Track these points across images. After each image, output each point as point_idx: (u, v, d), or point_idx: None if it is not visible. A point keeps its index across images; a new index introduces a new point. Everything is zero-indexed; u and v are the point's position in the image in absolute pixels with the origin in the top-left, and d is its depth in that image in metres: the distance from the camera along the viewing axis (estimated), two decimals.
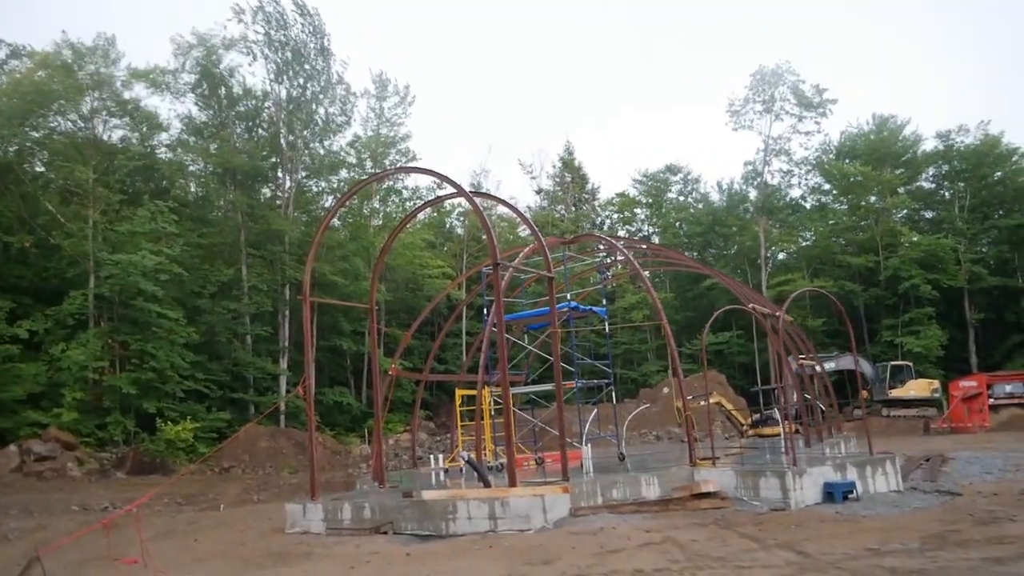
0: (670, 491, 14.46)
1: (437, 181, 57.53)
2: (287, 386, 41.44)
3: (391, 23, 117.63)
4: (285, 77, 43.85)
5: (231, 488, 25.09)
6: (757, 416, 37.63)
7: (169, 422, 32.55)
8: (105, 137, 40.01)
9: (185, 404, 35.09)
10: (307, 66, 44.36)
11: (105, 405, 32.48)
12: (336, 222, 51.39)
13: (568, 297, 17.84)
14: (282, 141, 44.42)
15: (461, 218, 63.15)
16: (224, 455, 33.21)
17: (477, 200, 16.07)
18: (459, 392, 19.95)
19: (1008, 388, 40.67)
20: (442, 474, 21.78)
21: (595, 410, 19.48)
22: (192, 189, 46.36)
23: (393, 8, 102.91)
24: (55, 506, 19.73)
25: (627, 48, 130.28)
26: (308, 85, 44.70)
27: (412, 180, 55.87)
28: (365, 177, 40.15)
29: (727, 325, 57.66)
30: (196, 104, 43.44)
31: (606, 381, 18.19)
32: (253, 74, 59.44)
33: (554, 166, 70.10)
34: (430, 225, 61.82)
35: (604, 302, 19.55)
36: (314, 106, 45.36)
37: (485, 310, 18.88)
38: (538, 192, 69.83)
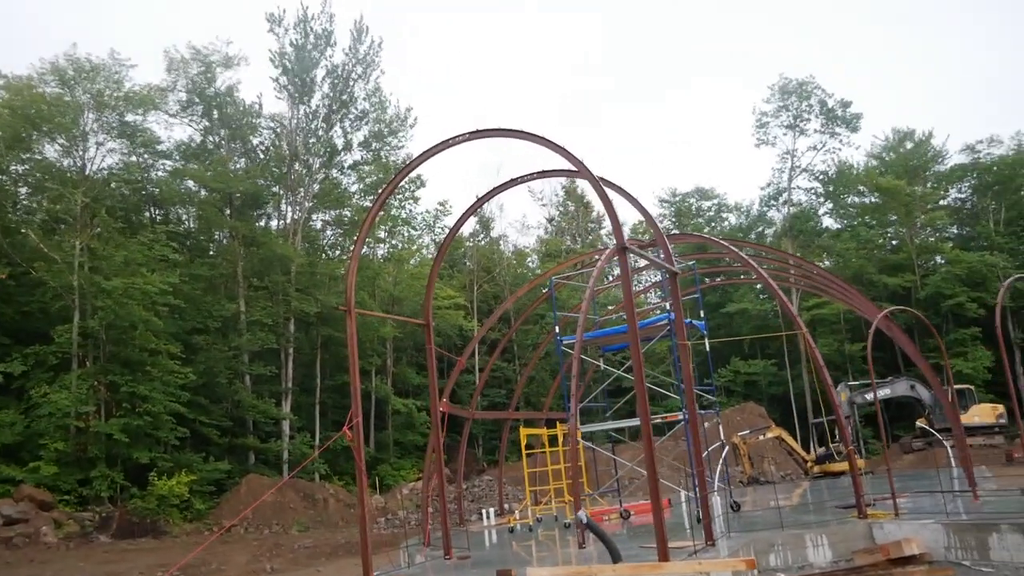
0: (849, 554, 10.78)
1: (440, 208, 54.76)
2: (290, 431, 37.54)
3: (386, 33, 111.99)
4: (305, 100, 41.37)
5: (236, 553, 21.10)
6: (822, 451, 34.16)
7: (163, 475, 28.60)
8: (98, 162, 36.58)
9: (180, 453, 31.11)
10: (344, 96, 41.87)
11: (90, 456, 28.50)
12: (339, 253, 48.00)
13: (667, 307, 14.34)
14: (287, 168, 41.23)
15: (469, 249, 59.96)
16: (224, 511, 29.29)
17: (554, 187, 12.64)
18: (523, 432, 16.26)
19: None
20: (493, 533, 18.10)
21: (726, 448, 15.65)
22: (185, 218, 42.83)
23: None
24: None
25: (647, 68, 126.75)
26: (333, 113, 42.05)
27: (422, 205, 52.56)
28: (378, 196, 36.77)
29: (754, 352, 54.37)
30: (191, 124, 40.24)
31: (712, 411, 14.61)
32: (257, 94, 56.16)
33: (556, 194, 66.27)
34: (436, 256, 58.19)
35: (701, 314, 15.98)
36: (332, 135, 42.60)
37: (557, 328, 15.35)
38: (549, 220, 66.52)
